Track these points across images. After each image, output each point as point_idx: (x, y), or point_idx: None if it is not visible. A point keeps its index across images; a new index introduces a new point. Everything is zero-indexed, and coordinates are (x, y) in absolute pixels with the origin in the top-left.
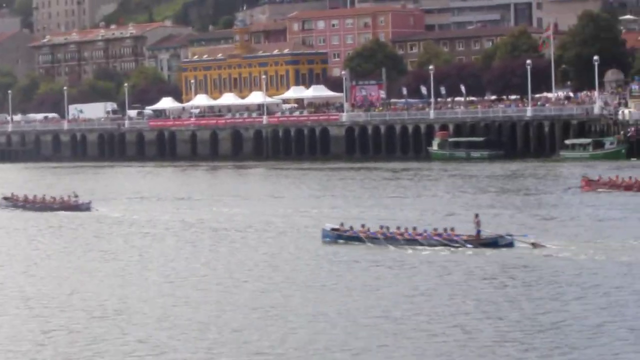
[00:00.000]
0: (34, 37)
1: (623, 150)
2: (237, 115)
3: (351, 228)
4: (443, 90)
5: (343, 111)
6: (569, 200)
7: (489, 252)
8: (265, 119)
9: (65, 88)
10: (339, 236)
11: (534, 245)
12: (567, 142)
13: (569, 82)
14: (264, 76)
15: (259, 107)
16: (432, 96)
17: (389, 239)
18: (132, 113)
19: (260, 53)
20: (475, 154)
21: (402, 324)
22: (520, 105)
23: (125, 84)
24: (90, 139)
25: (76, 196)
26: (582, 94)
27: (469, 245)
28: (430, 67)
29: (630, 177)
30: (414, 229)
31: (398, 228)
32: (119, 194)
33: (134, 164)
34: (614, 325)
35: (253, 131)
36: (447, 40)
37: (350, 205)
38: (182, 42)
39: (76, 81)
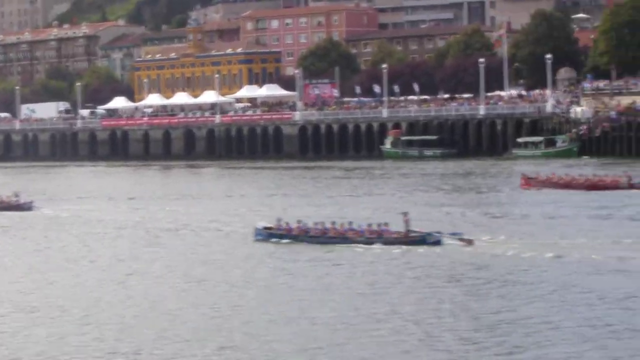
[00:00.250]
0: None
1: (575, 149)
2: (190, 115)
3: (287, 225)
4: (396, 88)
5: (296, 110)
6: (506, 197)
7: (418, 249)
8: (218, 118)
9: (17, 87)
10: (270, 234)
11: (464, 242)
12: (520, 140)
13: (521, 81)
14: (217, 75)
15: (212, 107)
16: (386, 95)
17: (321, 236)
18: (85, 112)
19: (213, 52)
20: (428, 152)
21: (315, 323)
22: (473, 103)
23: (78, 84)
24: (42, 139)
25: (17, 196)
26: (535, 93)
27: (396, 244)
28: (384, 65)
29: (566, 174)
30: (350, 223)
31: (333, 224)
32: (70, 194)
33: (86, 163)
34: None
35: (206, 130)
36: (400, 39)
37: (302, 204)
38: (135, 42)
39: (28, 81)
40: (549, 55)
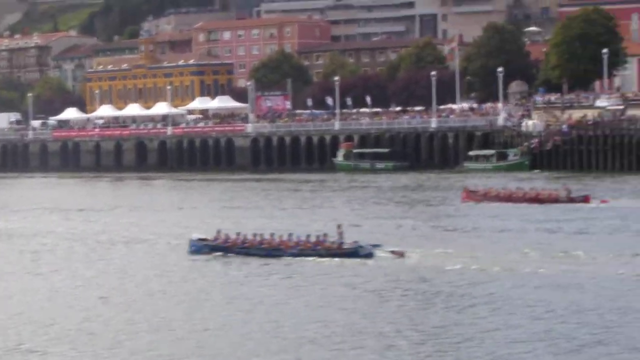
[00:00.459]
0: None
1: (526, 162)
2: (142, 126)
3: (225, 236)
4: (349, 101)
5: (248, 122)
6: (445, 210)
7: (350, 262)
8: (169, 130)
9: None
10: (205, 246)
11: (395, 254)
12: (471, 153)
13: (473, 94)
14: (169, 87)
15: (164, 118)
16: (338, 107)
17: (254, 247)
18: (36, 123)
19: (165, 64)
20: (379, 165)
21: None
22: (425, 116)
23: (30, 94)
24: None
25: None
26: (487, 106)
27: (329, 256)
28: (336, 78)
29: (505, 187)
30: (290, 235)
31: (272, 235)
32: (20, 205)
33: (37, 174)
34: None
35: (157, 142)
36: (352, 52)
37: (253, 216)
38: (87, 52)
39: None
40: (500, 69)
